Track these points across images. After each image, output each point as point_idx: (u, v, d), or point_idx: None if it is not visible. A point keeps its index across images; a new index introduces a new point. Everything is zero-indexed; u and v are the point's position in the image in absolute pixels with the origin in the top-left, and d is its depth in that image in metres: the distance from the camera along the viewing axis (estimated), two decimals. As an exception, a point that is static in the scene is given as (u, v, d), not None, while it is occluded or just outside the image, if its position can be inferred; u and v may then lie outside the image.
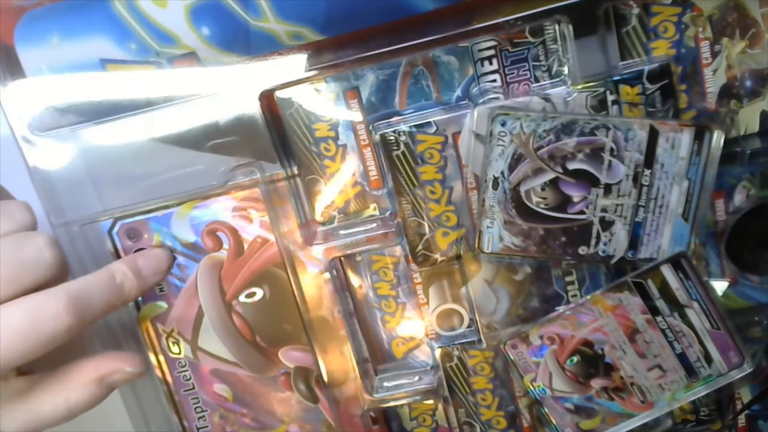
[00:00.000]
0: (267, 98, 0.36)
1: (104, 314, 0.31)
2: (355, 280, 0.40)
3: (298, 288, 0.38)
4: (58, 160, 0.37)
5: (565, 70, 0.35)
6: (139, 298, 0.39)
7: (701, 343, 0.35)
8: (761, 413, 0.40)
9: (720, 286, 0.37)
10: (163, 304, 0.39)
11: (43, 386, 0.31)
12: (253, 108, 0.35)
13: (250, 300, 0.39)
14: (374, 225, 0.38)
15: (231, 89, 0.35)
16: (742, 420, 0.40)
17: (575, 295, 0.37)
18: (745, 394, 0.39)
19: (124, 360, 0.32)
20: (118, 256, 0.38)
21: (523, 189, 0.34)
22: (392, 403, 0.40)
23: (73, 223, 0.37)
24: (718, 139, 0.33)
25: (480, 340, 0.39)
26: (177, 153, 0.36)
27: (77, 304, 0.29)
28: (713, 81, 0.35)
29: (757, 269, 0.38)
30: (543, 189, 0.34)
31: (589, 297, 0.36)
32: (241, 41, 0.35)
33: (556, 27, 0.34)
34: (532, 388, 0.37)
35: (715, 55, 0.35)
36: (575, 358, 0.36)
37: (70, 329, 0.29)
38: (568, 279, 0.37)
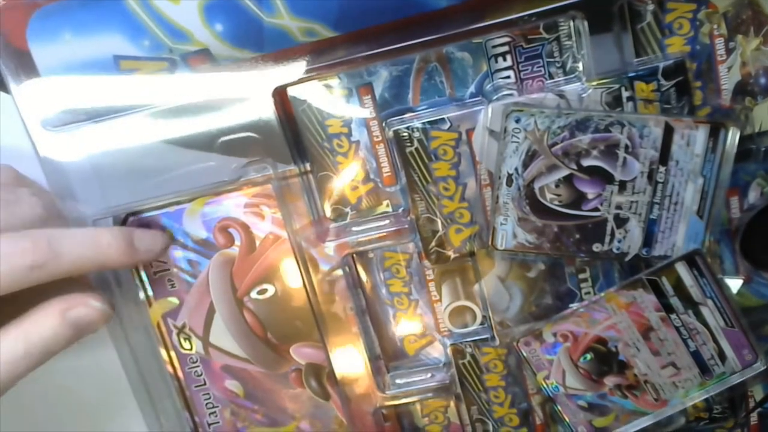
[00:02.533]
0: (280, 95, 0.36)
1: (80, 267, 0.30)
2: (367, 277, 0.39)
3: (310, 285, 0.38)
4: (70, 156, 0.37)
5: (580, 66, 0.35)
6: (150, 294, 0.39)
7: (715, 340, 0.35)
8: (774, 411, 0.40)
9: (734, 283, 0.37)
10: (175, 300, 0.39)
11: (4, 327, 0.29)
12: (266, 105, 0.35)
13: (261, 296, 0.39)
14: (387, 222, 0.38)
15: (244, 86, 0.35)
16: (754, 418, 0.40)
17: (589, 293, 0.37)
18: (758, 392, 0.39)
19: (90, 296, 0.31)
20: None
21: (537, 186, 0.34)
22: (404, 400, 0.40)
23: (85, 218, 0.37)
24: (733, 136, 0.33)
25: (493, 337, 0.38)
26: (189, 150, 0.36)
27: (50, 245, 0.29)
28: (728, 78, 0.35)
29: (771, 267, 0.37)
30: (557, 186, 0.34)
31: (602, 294, 0.35)
32: (255, 38, 0.35)
33: (571, 23, 0.34)
34: (545, 386, 0.37)
35: (729, 52, 0.35)
36: (589, 356, 0.36)
37: (37, 266, 0.28)
38: (581, 276, 0.37)
